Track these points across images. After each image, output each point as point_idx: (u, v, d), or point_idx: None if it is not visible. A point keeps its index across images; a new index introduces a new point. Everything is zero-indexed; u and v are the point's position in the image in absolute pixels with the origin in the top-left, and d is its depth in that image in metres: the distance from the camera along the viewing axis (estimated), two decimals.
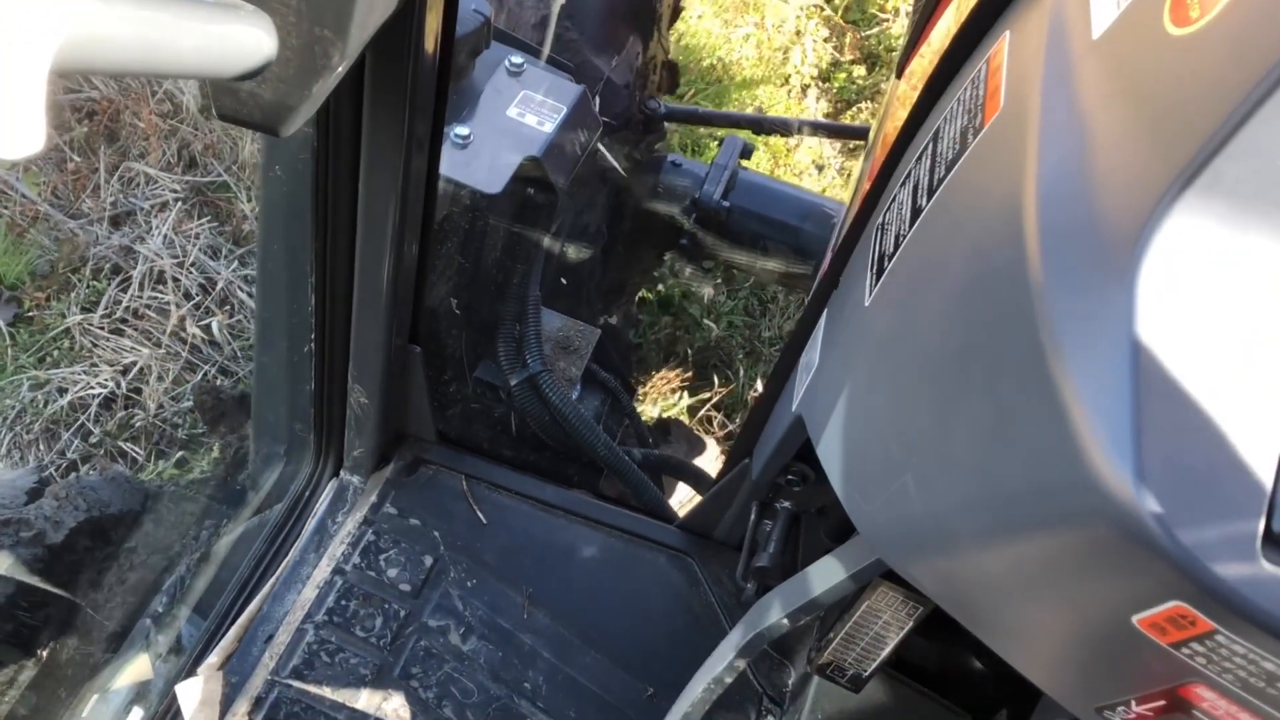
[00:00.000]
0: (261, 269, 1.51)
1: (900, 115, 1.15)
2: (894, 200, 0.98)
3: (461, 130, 1.54)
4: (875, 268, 0.96)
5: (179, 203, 2.64)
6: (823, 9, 3.81)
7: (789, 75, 3.53)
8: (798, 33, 3.62)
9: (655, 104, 2.39)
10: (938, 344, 0.75)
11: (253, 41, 0.70)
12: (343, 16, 0.80)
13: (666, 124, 2.59)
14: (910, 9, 3.76)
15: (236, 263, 2.60)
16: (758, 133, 3.27)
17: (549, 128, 1.60)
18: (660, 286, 2.83)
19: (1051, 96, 0.70)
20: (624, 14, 2.12)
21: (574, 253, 1.97)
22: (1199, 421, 0.53)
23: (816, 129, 3.51)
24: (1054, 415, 0.59)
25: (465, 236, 1.57)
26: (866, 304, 0.96)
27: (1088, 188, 0.63)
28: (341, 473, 1.66)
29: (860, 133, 3.19)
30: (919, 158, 0.94)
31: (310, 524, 1.61)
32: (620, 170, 2.00)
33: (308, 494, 1.66)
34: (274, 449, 1.72)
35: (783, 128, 3.38)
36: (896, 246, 0.91)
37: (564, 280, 1.95)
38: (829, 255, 1.45)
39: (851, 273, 1.10)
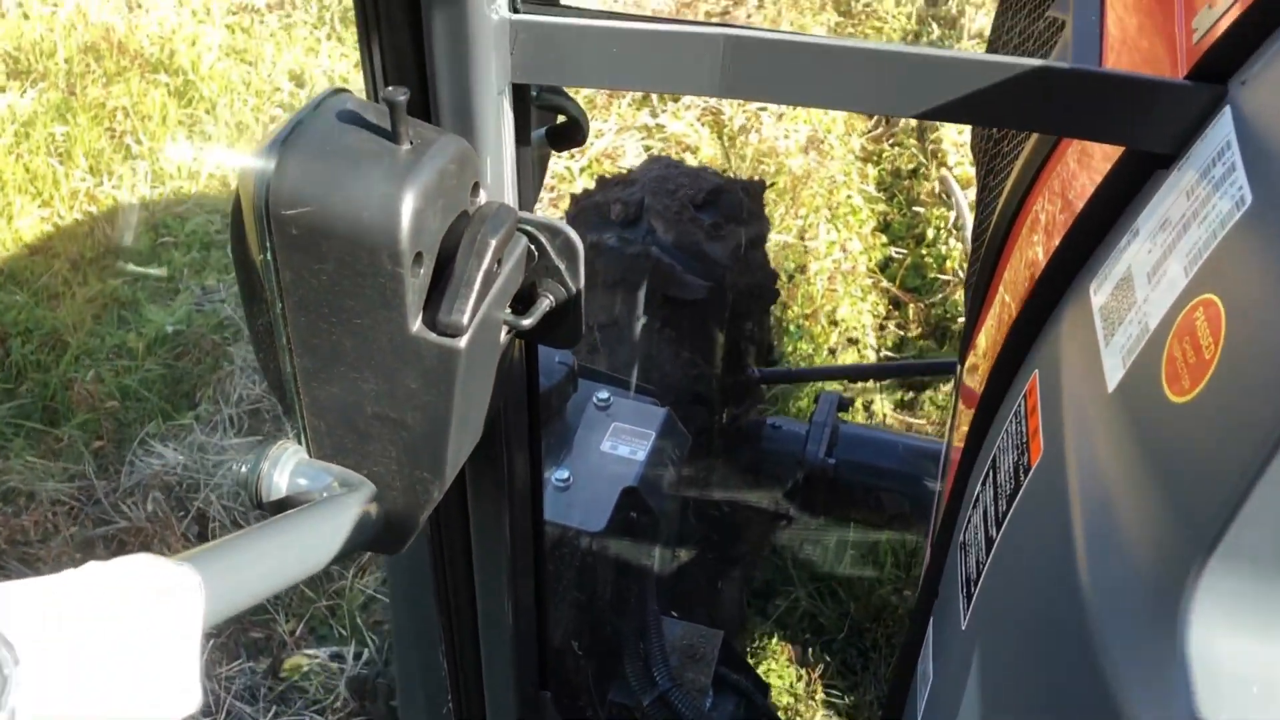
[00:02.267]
0: (396, 636, 1.60)
1: (964, 420, 1.21)
2: (970, 521, 1.03)
3: (561, 474, 1.65)
4: (965, 590, 1.00)
5: (209, 640, 2.42)
6: (879, 282, 3.56)
7: (853, 362, 3.34)
8: (851, 340, 3.37)
9: (750, 370, 2.47)
10: (1028, 694, 0.78)
11: (358, 519, 0.81)
12: (438, 458, 0.90)
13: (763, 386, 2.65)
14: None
15: (276, 705, 2.36)
16: (853, 381, 3.32)
17: (641, 455, 1.70)
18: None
19: (1083, 453, 0.76)
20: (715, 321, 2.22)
21: (684, 557, 2.03)
22: None
23: (904, 371, 3.55)
24: None
25: (578, 572, 1.65)
26: (963, 628, 0.99)
27: (1128, 553, 0.67)
28: None
29: (947, 368, 3.19)
30: (983, 481, 1.00)
31: None
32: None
33: None
34: None
35: (876, 374, 3.44)
36: (979, 572, 0.96)
37: (679, 587, 2.00)
38: (927, 553, 1.49)
39: (946, 584, 1.13)
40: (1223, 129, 0.74)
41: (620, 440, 1.73)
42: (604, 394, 1.80)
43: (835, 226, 3.69)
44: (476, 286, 0.81)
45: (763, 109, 3.99)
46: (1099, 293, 0.83)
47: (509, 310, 0.91)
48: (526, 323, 0.91)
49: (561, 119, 1.04)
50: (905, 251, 3.66)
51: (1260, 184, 0.67)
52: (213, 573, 0.58)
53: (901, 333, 3.44)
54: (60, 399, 2.99)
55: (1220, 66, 0.77)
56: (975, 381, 1.25)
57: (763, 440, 2.39)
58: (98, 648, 0.48)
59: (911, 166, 3.95)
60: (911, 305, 3.51)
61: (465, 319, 0.81)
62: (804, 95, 0.83)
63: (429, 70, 0.87)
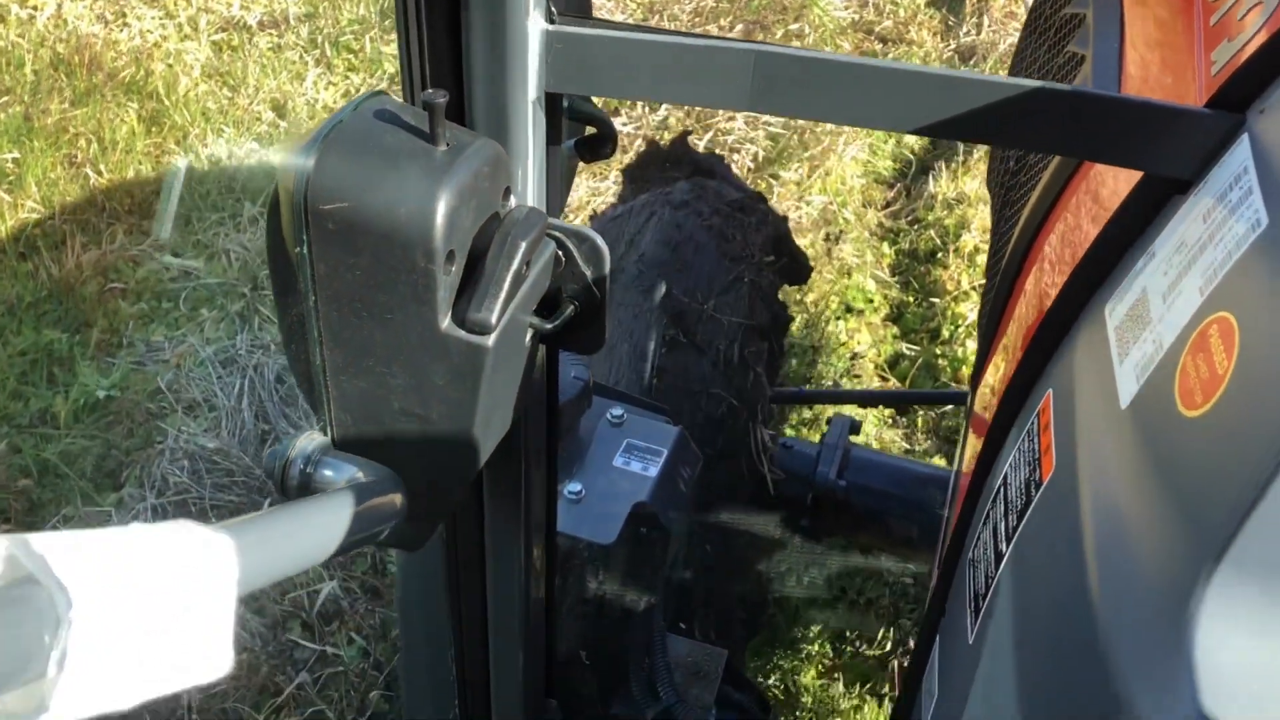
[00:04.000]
0: (404, 637, 1.62)
1: (973, 447, 1.22)
2: (979, 538, 1.04)
3: (574, 487, 1.66)
4: (972, 605, 1.01)
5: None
6: (887, 382, 3.28)
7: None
8: None
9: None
10: (1033, 702, 0.80)
11: (383, 508, 0.83)
12: (461, 455, 0.92)
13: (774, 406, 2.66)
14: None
15: None
16: (864, 406, 3.31)
17: (653, 472, 1.72)
18: None
19: (1095, 466, 0.78)
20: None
21: (691, 574, 2.04)
22: None
23: (917, 399, 3.52)
24: None
25: (587, 584, 1.66)
26: (970, 643, 1.00)
27: (1138, 561, 0.69)
28: None
29: (959, 398, 3.15)
30: (994, 499, 1.01)
31: None
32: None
33: None
34: None
35: (888, 400, 3.42)
36: (988, 587, 0.97)
37: (686, 602, 2.01)
38: (934, 574, 1.50)
39: (954, 603, 1.15)
40: (1240, 155, 0.76)
41: (633, 456, 1.75)
42: (618, 410, 1.82)
43: (845, 318, 3.37)
44: (506, 286, 0.83)
45: (774, 176, 3.80)
46: (1114, 314, 0.85)
47: (535, 314, 0.94)
48: (551, 326, 0.93)
49: (591, 130, 1.07)
50: (918, 348, 3.33)
51: (1277, 206, 0.69)
52: (246, 543, 0.59)
53: (907, 445, 3.10)
54: None
55: (1239, 96, 0.79)
56: (986, 409, 1.27)
57: (775, 458, 2.40)
58: (140, 603, 0.50)
59: (930, 248, 3.61)
60: (921, 412, 3.17)
61: (494, 318, 0.83)
62: (829, 111, 0.85)
63: (465, 76, 0.90)
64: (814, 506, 2.43)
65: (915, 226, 3.71)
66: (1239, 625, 0.62)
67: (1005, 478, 0.98)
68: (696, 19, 4.47)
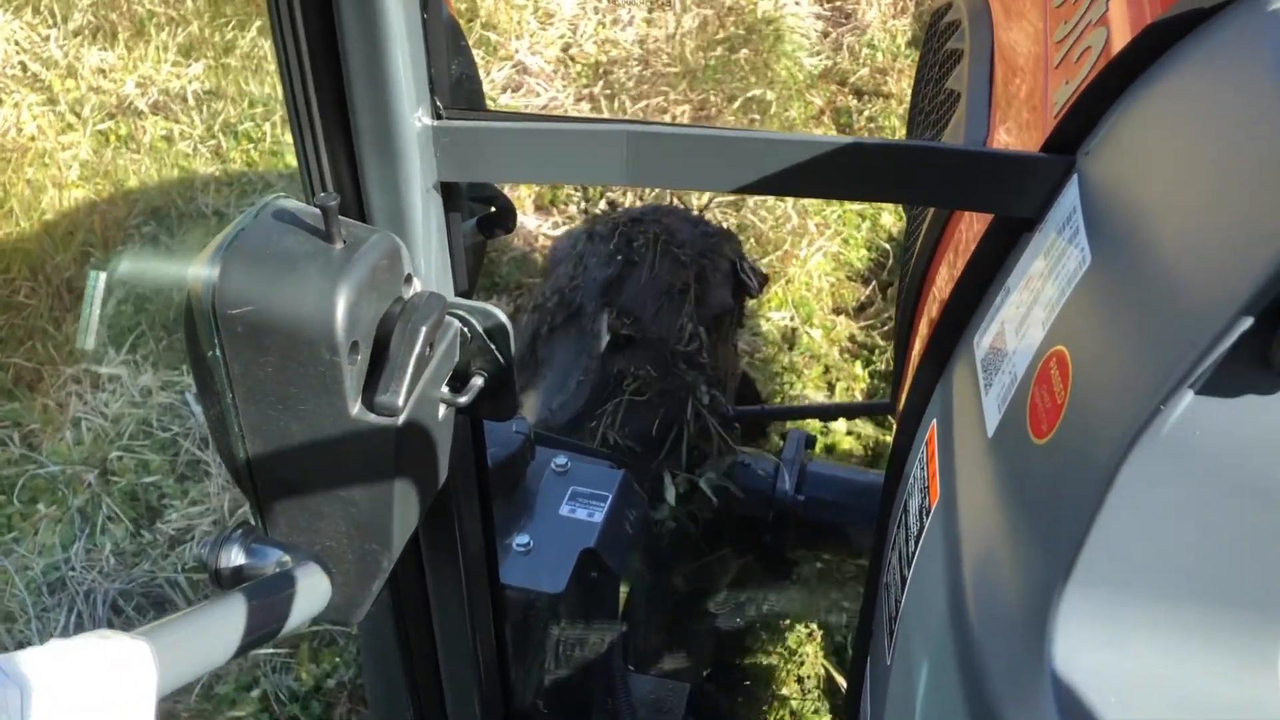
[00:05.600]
0: (370, 696, 1.65)
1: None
2: (890, 563, 1.10)
3: (522, 539, 1.71)
4: (888, 628, 1.07)
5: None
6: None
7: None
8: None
9: (725, 409, 2.51)
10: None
11: (307, 591, 0.87)
12: (384, 531, 0.97)
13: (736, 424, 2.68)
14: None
15: None
16: (824, 420, 3.34)
17: (598, 517, 1.76)
18: None
19: (969, 493, 0.83)
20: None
21: (648, 612, 2.08)
22: None
23: (851, 411, 3.52)
24: None
25: (543, 633, 1.70)
26: (888, 664, 1.05)
27: (1005, 584, 0.74)
28: None
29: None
30: (898, 525, 1.07)
31: None
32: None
33: None
34: None
35: (846, 412, 3.46)
36: (897, 610, 1.02)
37: (646, 639, 2.05)
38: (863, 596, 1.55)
39: (876, 624, 1.20)
40: (1071, 195, 0.82)
41: (578, 503, 1.79)
42: (562, 459, 1.86)
43: None
44: (410, 370, 0.88)
45: None
46: (980, 346, 0.91)
47: (446, 388, 0.98)
48: (463, 400, 0.98)
49: (492, 208, 1.12)
50: None
51: (1097, 244, 0.75)
52: (164, 645, 0.64)
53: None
54: None
55: (1070, 138, 0.86)
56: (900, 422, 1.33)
57: (733, 475, 2.44)
58: (65, 716, 0.54)
59: None
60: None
61: (400, 400, 0.88)
62: (700, 180, 0.91)
63: (360, 174, 0.95)
64: (775, 523, 2.47)
65: (890, 342, 3.20)
66: (1091, 640, 0.68)
67: (906, 504, 1.04)
68: (643, 86, 3.97)
